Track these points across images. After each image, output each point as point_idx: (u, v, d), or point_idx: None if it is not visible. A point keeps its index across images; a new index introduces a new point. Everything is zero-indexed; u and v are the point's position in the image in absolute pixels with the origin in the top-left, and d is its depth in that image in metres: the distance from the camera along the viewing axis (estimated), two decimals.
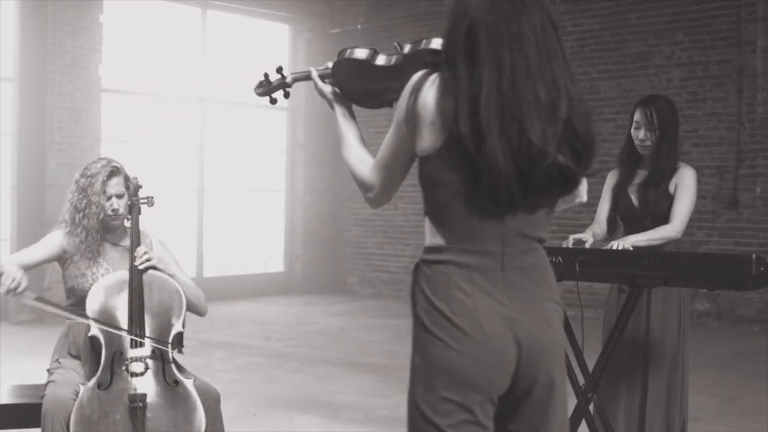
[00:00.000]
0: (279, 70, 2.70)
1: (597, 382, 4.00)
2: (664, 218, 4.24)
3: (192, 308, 3.79)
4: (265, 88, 2.74)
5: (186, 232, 11.85)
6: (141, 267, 3.64)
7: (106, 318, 3.55)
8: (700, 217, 10.05)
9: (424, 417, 2.17)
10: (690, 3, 10.09)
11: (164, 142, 11.52)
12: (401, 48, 2.34)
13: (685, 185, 4.23)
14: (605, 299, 4.50)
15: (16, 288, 3.42)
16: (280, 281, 12.93)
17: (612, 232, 4.46)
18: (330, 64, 2.58)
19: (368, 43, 10.08)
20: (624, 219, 4.40)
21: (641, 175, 4.35)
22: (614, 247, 3.97)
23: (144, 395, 3.36)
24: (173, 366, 3.52)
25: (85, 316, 3.52)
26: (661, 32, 10.32)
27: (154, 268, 3.68)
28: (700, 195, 9.96)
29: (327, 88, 2.60)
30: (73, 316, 3.60)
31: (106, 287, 3.62)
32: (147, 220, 3.95)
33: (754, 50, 9.67)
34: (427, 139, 2.15)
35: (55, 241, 3.77)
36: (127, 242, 3.86)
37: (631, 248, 3.98)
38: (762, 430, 5.43)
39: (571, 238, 4.21)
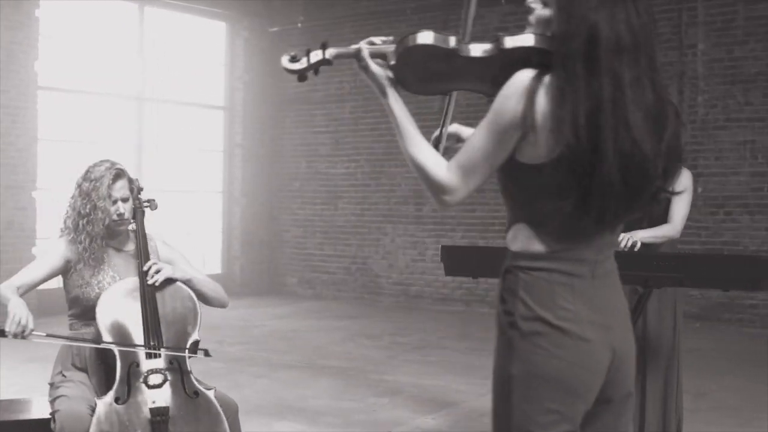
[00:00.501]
0: (324, 45, 2.36)
1: None
2: (660, 219, 4.29)
3: (214, 302, 3.68)
4: (303, 65, 2.35)
5: None
6: (156, 283, 3.49)
7: (120, 330, 3.39)
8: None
9: (522, 431, 2.12)
10: None
11: (101, 142, 11.17)
12: (500, 42, 2.20)
13: (681, 187, 4.28)
14: None
15: (22, 332, 3.22)
16: (218, 283, 12.65)
17: None
18: (388, 44, 2.31)
19: (307, 42, 9.93)
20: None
21: None
22: (624, 241, 4.01)
23: (166, 408, 3.22)
24: (192, 376, 3.39)
25: (99, 342, 3.35)
26: None
27: (167, 279, 3.54)
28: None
29: (381, 70, 2.29)
30: (89, 344, 3.40)
31: (116, 297, 3.46)
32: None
33: (695, 53, 9.90)
34: (542, 148, 2.07)
35: (56, 253, 3.58)
36: (131, 247, 3.71)
37: (639, 243, 4.02)
38: (737, 423, 5.55)
39: None
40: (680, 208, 4.25)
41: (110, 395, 3.24)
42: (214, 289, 3.71)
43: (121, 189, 3.62)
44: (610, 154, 2.02)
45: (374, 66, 2.28)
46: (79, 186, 3.66)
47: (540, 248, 2.14)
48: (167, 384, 3.29)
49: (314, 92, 12.81)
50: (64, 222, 3.66)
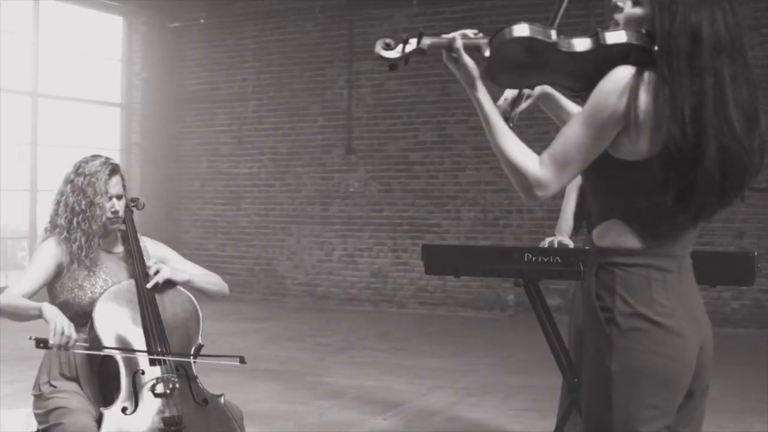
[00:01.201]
0: (420, 35, 2.24)
1: None
2: None
3: (216, 295, 3.58)
4: (398, 53, 2.23)
5: (17, 234, 11.00)
6: (156, 285, 3.33)
7: (123, 336, 3.21)
8: (552, 216, 10.47)
9: (624, 427, 2.11)
10: (541, 10, 10.47)
11: None
12: (600, 37, 2.18)
13: None
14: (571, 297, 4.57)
15: (66, 343, 3.04)
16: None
17: (577, 231, 4.55)
18: (479, 36, 2.24)
19: (209, 39, 9.78)
20: (590, 217, 4.48)
21: None
22: None
23: (180, 418, 3.06)
24: (199, 383, 3.24)
25: (101, 349, 3.16)
26: None
27: (165, 282, 3.37)
28: (560, 194, 10.39)
29: (472, 63, 2.21)
30: (115, 353, 3.20)
31: (114, 302, 3.27)
32: None
33: None
34: (642, 144, 2.08)
35: (48, 254, 3.35)
36: (119, 249, 3.52)
37: None
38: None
39: (548, 240, 4.26)
40: None
41: (117, 406, 3.06)
42: (213, 282, 3.59)
43: (116, 185, 3.43)
44: (712, 150, 2.05)
45: (466, 57, 2.21)
46: (71, 181, 3.43)
47: (635, 244, 2.16)
48: (176, 392, 3.13)
49: (216, 90, 12.55)
50: (53, 221, 3.43)
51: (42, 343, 3.03)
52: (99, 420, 3.05)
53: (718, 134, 2.05)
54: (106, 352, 3.13)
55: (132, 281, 3.35)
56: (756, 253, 3.70)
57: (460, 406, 6.02)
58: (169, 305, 3.35)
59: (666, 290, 2.13)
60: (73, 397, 3.20)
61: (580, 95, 2.32)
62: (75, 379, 3.29)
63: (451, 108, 10.97)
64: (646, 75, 2.09)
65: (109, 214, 3.39)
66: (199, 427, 3.10)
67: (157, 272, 3.37)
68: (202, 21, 12.17)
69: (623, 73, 2.10)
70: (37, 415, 3.27)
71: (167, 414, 3.06)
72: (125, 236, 3.55)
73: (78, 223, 3.35)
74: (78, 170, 3.46)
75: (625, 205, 2.17)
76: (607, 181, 2.19)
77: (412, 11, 11.19)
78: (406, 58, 2.23)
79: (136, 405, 3.07)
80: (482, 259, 4.03)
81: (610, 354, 2.12)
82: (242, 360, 3.27)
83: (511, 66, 2.24)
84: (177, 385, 3.14)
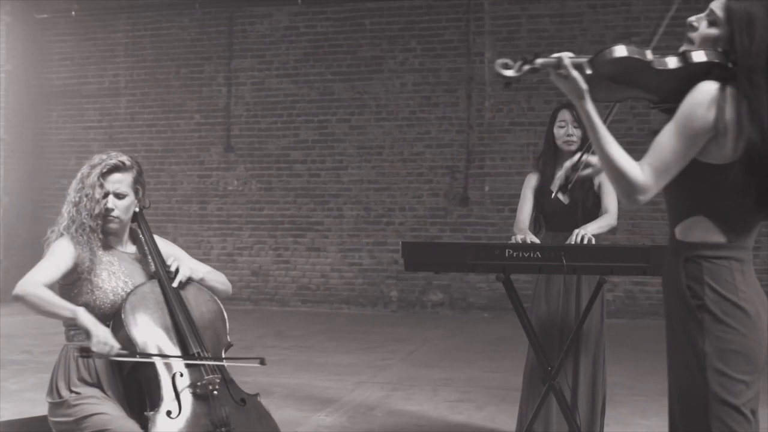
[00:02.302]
0: (536, 55, 2.43)
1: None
2: (592, 210, 4.65)
3: (222, 294, 3.54)
4: (517, 73, 2.40)
5: None
6: (181, 282, 3.31)
7: (157, 341, 3.17)
8: (434, 213, 10.81)
9: (719, 400, 2.38)
10: (422, 13, 10.77)
11: None
12: (688, 56, 2.42)
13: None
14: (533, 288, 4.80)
15: (108, 352, 3.01)
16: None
17: (537, 229, 4.80)
18: (580, 56, 2.47)
19: (78, 32, 9.55)
20: (552, 216, 4.72)
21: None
22: (575, 237, 4.33)
23: (229, 418, 3.06)
24: (236, 383, 3.25)
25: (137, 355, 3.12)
26: (395, 39, 10.90)
27: (187, 280, 3.36)
28: (434, 193, 10.72)
29: (581, 78, 2.42)
30: (156, 360, 3.14)
31: (142, 305, 3.22)
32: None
33: (482, 61, 10.58)
34: (729, 150, 2.34)
35: (66, 252, 3.23)
36: (131, 249, 3.45)
37: (589, 236, 4.36)
38: None
39: (519, 238, 4.48)
40: (612, 199, 4.63)
41: (162, 410, 3.02)
42: (221, 281, 3.57)
43: (116, 183, 3.32)
44: None
45: (575, 73, 2.41)
46: (81, 173, 3.35)
47: (720, 239, 2.42)
48: (216, 393, 3.13)
49: (85, 85, 12.15)
50: (61, 216, 3.33)
51: (85, 353, 2.98)
52: (143, 426, 3.01)
53: None
54: (149, 359, 3.09)
55: (154, 282, 3.31)
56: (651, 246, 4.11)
57: (393, 399, 6.17)
58: (194, 305, 3.33)
59: (744, 278, 2.43)
60: (105, 403, 3.12)
61: (658, 106, 2.56)
62: (96, 385, 3.21)
63: (333, 107, 11.09)
64: (728, 89, 2.36)
65: (99, 209, 3.29)
66: (245, 426, 3.11)
67: (177, 270, 3.34)
68: (73, 13, 11.75)
69: (709, 88, 2.36)
70: (60, 423, 3.16)
71: (215, 416, 3.05)
72: (135, 236, 3.48)
73: (74, 216, 3.26)
74: (90, 162, 3.38)
75: (709, 203, 2.43)
76: (693, 182, 2.43)
77: (293, 10, 11.23)
78: (520, 77, 2.41)
79: (180, 408, 3.04)
80: (464, 256, 4.18)
81: (703, 337, 2.38)
82: (262, 362, 3.28)
83: (609, 81, 2.46)
84: (217, 387, 3.13)
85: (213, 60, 11.69)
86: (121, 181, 3.34)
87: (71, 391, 3.19)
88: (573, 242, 4.36)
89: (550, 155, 4.76)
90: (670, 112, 2.48)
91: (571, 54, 2.46)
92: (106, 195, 3.30)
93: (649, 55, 2.43)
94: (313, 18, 11.19)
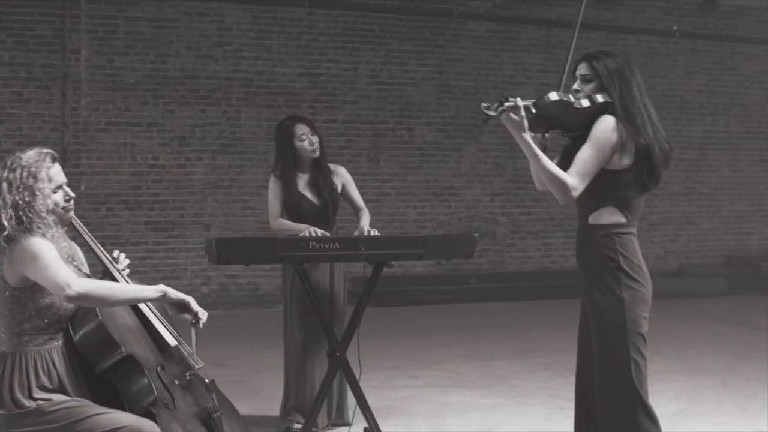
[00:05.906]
0: (506, 98, 3.40)
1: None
2: (336, 209, 5.41)
3: None
4: (495, 113, 3.38)
5: None
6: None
7: (136, 333, 3.27)
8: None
9: (634, 331, 3.49)
10: (12, 5, 10.31)
11: None
12: (594, 98, 3.50)
13: (349, 180, 5.48)
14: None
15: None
16: None
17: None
18: (529, 102, 3.47)
19: None
20: (309, 215, 5.32)
21: (303, 178, 5.37)
22: (367, 231, 5.10)
23: (216, 405, 3.29)
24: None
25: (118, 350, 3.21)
26: None
27: None
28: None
29: (524, 116, 3.40)
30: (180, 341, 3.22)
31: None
32: None
33: (78, 58, 10.47)
34: (626, 159, 3.48)
35: (50, 246, 3.17)
36: (64, 243, 3.39)
37: (375, 231, 5.15)
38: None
39: (312, 230, 5.07)
40: (358, 196, 5.48)
41: (159, 404, 3.11)
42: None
43: (60, 173, 3.32)
44: (656, 147, 3.50)
45: (523, 113, 3.39)
46: (5, 180, 3.21)
47: (623, 220, 3.52)
48: (195, 380, 3.32)
49: None
50: (7, 228, 3.19)
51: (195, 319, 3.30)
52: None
53: (658, 143, 3.51)
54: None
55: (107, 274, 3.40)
56: (476, 235, 5.15)
57: None
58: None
59: (635, 247, 3.55)
60: (85, 403, 3.12)
61: (568, 134, 3.64)
62: (59, 390, 3.15)
63: None
64: (616, 118, 3.48)
65: (62, 202, 3.30)
66: (222, 407, 3.35)
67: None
68: None
69: (611, 119, 3.48)
70: None
71: (204, 402, 3.25)
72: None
73: (28, 218, 3.18)
74: (11, 166, 3.24)
75: (617, 195, 3.50)
76: (601, 183, 3.48)
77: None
78: (498, 115, 3.38)
79: (173, 399, 3.19)
80: (274, 248, 4.67)
81: (621, 288, 3.47)
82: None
83: (545, 117, 3.49)
84: (193, 375, 3.33)
85: None
86: (61, 171, 3.33)
87: (34, 399, 3.11)
88: (365, 235, 5.09)
89: (291, 165, 5.33)
90: (574, 138, 3.56)
91: (520, 99, 3.41)
92: (59, 187, 3.27)
93: (572, 98, 3.50)
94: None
